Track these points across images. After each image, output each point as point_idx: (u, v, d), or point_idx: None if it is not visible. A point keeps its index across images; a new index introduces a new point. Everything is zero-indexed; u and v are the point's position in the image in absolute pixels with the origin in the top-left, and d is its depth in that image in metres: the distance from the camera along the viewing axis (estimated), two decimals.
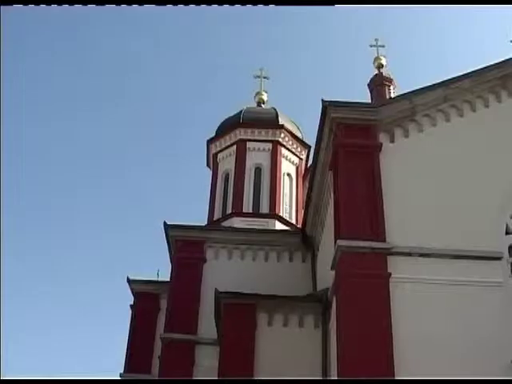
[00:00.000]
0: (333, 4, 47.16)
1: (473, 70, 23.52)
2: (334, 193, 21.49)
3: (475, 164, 21.77)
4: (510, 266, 20.34)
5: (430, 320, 18.88)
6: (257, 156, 34.28)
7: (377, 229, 19.98)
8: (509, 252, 20.56)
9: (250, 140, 34.67)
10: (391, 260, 19.62)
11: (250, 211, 32.62)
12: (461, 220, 20.59)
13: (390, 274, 19.30)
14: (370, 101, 33.53)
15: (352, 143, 21.53)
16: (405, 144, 21.98)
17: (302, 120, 53.74)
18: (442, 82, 23.06)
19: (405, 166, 21.47)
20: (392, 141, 21.93)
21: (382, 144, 21.66)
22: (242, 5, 59.41)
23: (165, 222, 27.94)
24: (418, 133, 22.26)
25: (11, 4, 39.59)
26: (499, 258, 20.16)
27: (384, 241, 19.80)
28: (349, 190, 20.71)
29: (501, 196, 21.20)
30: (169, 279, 27.99)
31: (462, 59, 69.85)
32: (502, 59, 23.97)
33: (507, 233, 20.95)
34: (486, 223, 20.61)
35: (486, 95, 23.27)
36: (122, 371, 29.61)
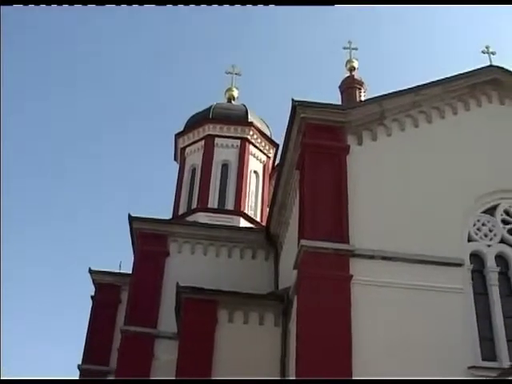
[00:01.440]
0: (333, 4, 47.26)
1: (443, 77, 23.82)
2: (300, 193, 21.57)
3: (441, 170, 22.01)
4: (470, 273, 20.59)
5: (390, 323, 19.02)
6: (224, 152, 34.25)
7: (340, 230, 20.06)
8: (470, 259, 20.83)
9: (218, 136, 34.65)
10: (354, 262, 19.71)
11: (216, 207, 32.57)
12: (424, 225, 20.78)
13: (352, 276, 19.39)
14: (340, 103, 33.73)
15: (320, 144, 21.60)
16: (372, 147, 22.11)
17: (272, 118, 53.76)
18: (412, 87, 23.29)
19: (371, 169, 21.59)
20: (360, 143, 22.05)
21: (349, 146, 21.76)
22: (219, 4, 58.71)
23: (129, 214, 27.81)
24: (386, 136, 22.42)
25: (11, 4, 39.28)
26: (460, 265, 20.40)
27: (347, 243, 19.88)
28: (314, 190, 20.78)
29: (465, 204, 21.46)
30: (131, 271, 27.86)
31: (435, 66, 70.39)
32: (472, 68, 24.36)
33: (469, 240, 21.22)
34: (449, 230, 20.83)
35: (454, 103, 23.57)
36: (80, 362, 29.39)
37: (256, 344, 21.78)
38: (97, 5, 50.50)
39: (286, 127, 23.08)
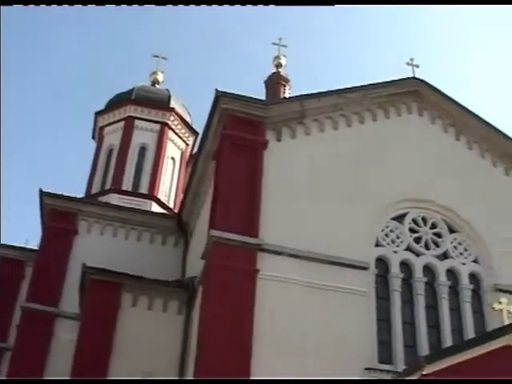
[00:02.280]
0: (333, 4, 47.04)
1: (366, 83, 24.18)
2: (214, 183, 21.57)
3: (356, 174, 22.39)
4: (374, 277, 21.00)
5: (293, 321, 19.24)
6: (143, 135, 33.90)
7: (251, 224, 20.15)
8: (375, 264, 21.24)
9: (138, 118, 34.29)
10: (261, 257, 19.84)
11: (129, 190, 32.23)
12: (334, 227, 21.09)
13: (258, 271, 19.52)
14: (264, 98, 33.76)
15: (239, 136, 21.64)
16: (291, 145, 22.28)
17: (195, 107, 53.49)
18: (335, 90, 23.57)
19: (288, 167, 21.75)
20: (279, 140, 22.18)
21: (268, 141, 21.88)
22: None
23: (40, 190, 27.27)
24: (305, 136, 22.61)
25: (11, 4, 37.96)
26: (366, 268, 20.82)
27: (256, 237, 19.99)
28: (228, 182, 20.82)
29: (375, 209, 21.89)
30: (37, 248, 27.34)
31: (361, 72, 71.38)
32: (395, 78, 24.84)
33: (376, 245, 21.65)
34: (358, 233, 21.21)
35: (374, 110, 24.01)
36: None
37: (158, 330, 21.70)
38: (97, 5, 49.12)
39: (207, 116, 22.99)
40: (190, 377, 19.25)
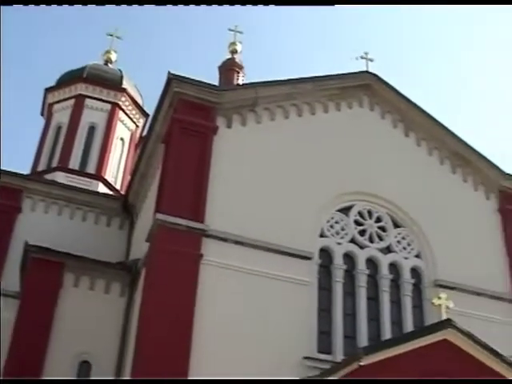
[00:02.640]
0: (333, 4, 46.67)
1: (319, 75, 24.28)
2: (162, 166, 21.41)
3: (304, 165, 22.48)
4: (317, 267, 21.14)
5: (234, 308, 19.27)
6: (93, 114, 33.48)
7: (197, 209, 20.10)
8: (319, 254, 21.39)
9: (89, 97, 33.86)
10: (206, 242, 19.82)
11: (76, 169, 31.80)
12: (280, 216, 21.16)
13: (202, 256, 19.49)
14: (217, 84, 33.64)
15: (189, 121, 21.53)
16: (241, 132, 22.26)
17: (147, 89, 53.08)
18: (288, 79, 23.61)
19: (237, 154, 21.74)
20: (229, 126, 22.14)
21: (218, 127, 21.81)
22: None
23: None
24: (255, 124, 22.62)
25: (11, 4, 36.96)
26: (309, 258, 20.95)
27: (202, 222, 19.96)
28: (177, 166, 20.72)
29: (321, 200, 22.03)
30: None
31: (316, 63, 71.54)
32: (349, 71, 25.02)
33: (321, 236, 21.80)
34: (303, 223, 21.32)
35: (326, 102, 24.15)
36: None
37: (100, 312, 21.53)
38: (97, 5, 48.12)
39: (158, 99, 22.82)
40: (129, 360, 19.13)
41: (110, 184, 32.10)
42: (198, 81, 22.17)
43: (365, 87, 25.12)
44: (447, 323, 17.90)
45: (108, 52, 37.79)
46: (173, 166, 20.74)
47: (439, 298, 19.01)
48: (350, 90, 24.80)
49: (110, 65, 37.28)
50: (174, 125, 21.53)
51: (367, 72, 25.35)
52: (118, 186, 32.72)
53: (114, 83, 34.64)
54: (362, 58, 25.89)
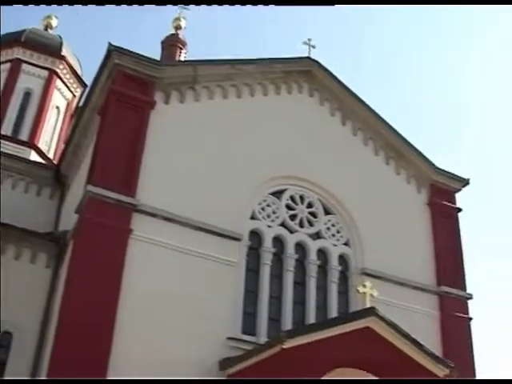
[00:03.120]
0: (333, 4, 46.02)
1: (261, 57, 24.30)
2: (97, 138, 21.07)
3: (241, 146, 22.48)
4: (246, 249, 21.22)
5: (161, 284, 19.20)
6: (30, 80, 32.73)
7: (129, 183, 19.90)
8: (249, 236, 21.46)
9: (26, 62, 33.08)
10: (136, 217, 19.67)
11: (9, 135, 31.09)
12: (213, 196, 21.13)
13: (132, 231, 19.34)
14: (159, 59, 33.25)
15: (127, 94, 21.22)
16: (179, 109, 22.07)
17: (87, 59, 52.07)
18: (230, 59, 23.58)
19: (173, 131, 21.56)
20: (167, 102, 21.93)
21: (156, 102, 21.57)
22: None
23: None
24: (194, 101, 22.47)
25: (11, 4, 35.60)
26: (239, 240, 21.01)
27: (133, 197, 19.77)
28: (111, 138, 20.44)
29: (254, 182, 22.11)
30: None
31: (259, 45, 71.32)
32: (291, 56, 25.10)
33: (252, 218, 21.86)
34: (235, 205, 21.34)
35: (266, 84, 24.15)
36: None
37: (25, 282, 21.07)
38: (97, 5, 46.53)
39: (97, 69, 22.42)
40: (52, 332, 18.86)
41: (42, 153, 31.52)
42: (138, 54, 21.85)
43: (306, 73, 25.22)
44: (370, 311, 18.19)
45: (48, 17, 37.00)
46: (107, 139, 20.46)
47: (364, 286, 19.32)
48: (291, 75, 24.87)
49: (50, 30, 36.44)
50: (111, 97, 21.21)
51: (309, 58, 25.40)
52: (50, 156, 32.16)
53: (52, 49, 33.88)
54: (304, 43, 25.92)
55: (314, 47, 25.89)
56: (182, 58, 34.43)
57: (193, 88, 22.52)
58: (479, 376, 23.06)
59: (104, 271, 18.41)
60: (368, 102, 25.90)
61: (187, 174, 21.04)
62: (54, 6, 37.68)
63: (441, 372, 18.59)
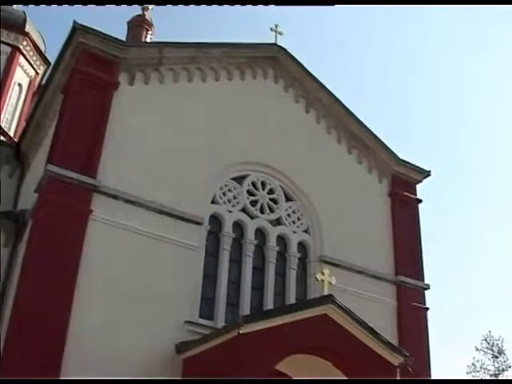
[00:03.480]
0: (333, 4, 45.55)
1: (227, 42, 24.17)
2: (59, 117, 20.79)
3: (203, 130, 22.39)
4: (207, 233, 21.19)
5: (120, 266, 19.10)
6: None
7: (90, 164, 19.68)
8: (209, 220, 21.42)
9: None
10: (96, 198, 19.48)
11: None
12: (175, 179, 21.04)
13: (92, 211, 19.17)
14: (124, 39, 32.91)
15: (90, 73, 20.92)
16: (142, 90, 21.87)
17: (51, 36, 51.28)
18: (195, 42, 23.43)
19: (136, 112, 21.35)
20: (131, 83, 21.70)
21: (119, 83, 21.34)
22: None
23: None
24: (158, 83, 22.29)
25: (11, 4, 34.67)
26: (199, 224, 20.94)
27: (94, 177, 19.57)
28: (73, 118, 20.19)
29: (217, 166, 22.06)
30: None
31: (229, 31, 70.99)
32: (257, 42, 25.07)
33: (213, 202, 21.82)
34: (196, 189, 21.27)
35: (232, 69, 24.07)
36: None
37: None
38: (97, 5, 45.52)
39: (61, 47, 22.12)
40: (7, 312, 18.62)
41: (3, 130, 31.05)
42: (103, 33, 21.53)
43: (272, 59, 25.17)
44: (328, 299, 18.28)
45: None
46: (69, 118, 20.19)
47: (322, 273, 19.41)
48: (257, 60, 24.80)
49: (13, 6, 35.76)
50: (75, 76, 20.92)
51: (275, 45, 25.34)
52: (11, 133, 31.69)
53: (16, 25, 33.28)
54: (271, 30, 25.82)
55: (281, 34, 25.78)
56: (148, 40, 34.07)
57: (158, 70, 22.33)
58: (433, 365, 23.46)
59: (62, 252, 18.24)
60: (334, 92, 25.97)
61: (150, 157, 20.89)
62: None
63: (396, 360, 18.78)
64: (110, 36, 21.77)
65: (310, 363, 18.20)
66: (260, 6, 74.41)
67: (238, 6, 75.16)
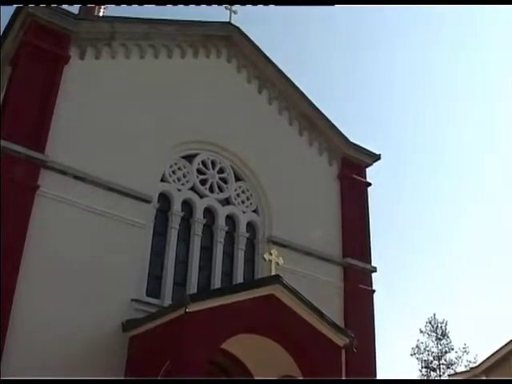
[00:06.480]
0: (333, 4, 44.81)
1: (181, 19, 23.96)
2: (6, 90, 20.41)
3: (155, 107, 22.19)
4: (155, 211, 21.07)
5: (67, 243, 18.85)
6: None
7: (38, 139, 19.25)
8: (158, 198, 21.32)
9: None
10: (44, 173, 19.13)
11: None
12: (124, 156, 20.82)
13: (39, 187, 18.84)
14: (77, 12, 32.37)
15: (40, 46, 20.41)
16: (93, 65, 21.52)
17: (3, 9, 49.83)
18: (148, 19, 23.14)
19: (87, 87, 21.03)
20: (82, 58, 21.32)
21: (70, 57, 20.91)
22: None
23: None
24: (110, 59, 21.96)
25: (11, 4, 33.20)
26: (148, 202, 20.83)
27: (42, 152, 19.20)
28: (22, 91, 19.72)
29: (167, 144, 21.92)
30: None
31: (184, 11, 70.23)
32: (211, 20, 24.89)
33: (162, 180, 21.71)
34: (146, 166, 21.11)
35: (185, 47, 23.89)
36: None
37: None
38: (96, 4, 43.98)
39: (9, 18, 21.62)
40: None
41: None
42: (54, 5, 21.09)
43: (225, 39, 25.03)
44: (275, 279, 18.37)
45: None
46: (17, 92, 19.71)
47: (270, 254, 19.51)
48: (211, 39, 24.63)
49: None
50: (24, 48, 20.44)
51: (229, 23, 25.20)
52: None
53: None
54: (226, 8, 25.66)
55: (235, 13, 25.64)
56: (101, 14, 33.60)
57: (109, 45, 21.98)
58: (378, 346, 23.79)
59: (8, 227, 17.83)
60: (288, 74, 26.00)
61: (100, 133, 20.61)
62: None
63: (341, 341, 19.03)
64: (61, 8, 21.26)
65: (257, 344, 18.32)
66: None
67: None
